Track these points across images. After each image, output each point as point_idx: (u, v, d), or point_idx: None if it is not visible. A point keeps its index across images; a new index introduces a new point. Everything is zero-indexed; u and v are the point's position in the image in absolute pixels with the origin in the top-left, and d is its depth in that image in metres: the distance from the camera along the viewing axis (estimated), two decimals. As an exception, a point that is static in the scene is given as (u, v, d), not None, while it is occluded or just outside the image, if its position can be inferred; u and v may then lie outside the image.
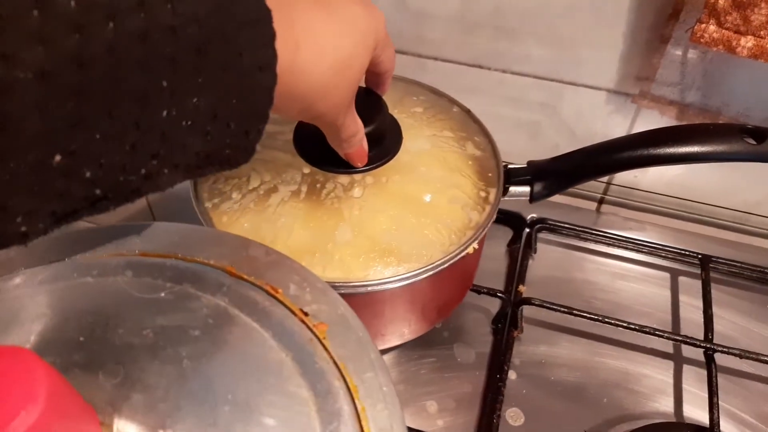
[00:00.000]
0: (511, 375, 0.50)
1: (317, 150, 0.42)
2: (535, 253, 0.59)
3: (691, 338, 0.50)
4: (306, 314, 0.27)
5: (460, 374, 0.50)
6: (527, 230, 0.60)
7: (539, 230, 0.60)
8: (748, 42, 0.44)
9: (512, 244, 0.60)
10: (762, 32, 0.43)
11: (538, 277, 0.57)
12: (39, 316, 0.25)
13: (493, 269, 0.58)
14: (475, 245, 0.41)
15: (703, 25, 0.45)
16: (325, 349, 0.26)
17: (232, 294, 0.27)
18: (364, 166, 0.42)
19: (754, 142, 0.43)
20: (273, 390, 0.24)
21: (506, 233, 0.61)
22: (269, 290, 0.28)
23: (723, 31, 0.44)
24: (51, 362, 0.18)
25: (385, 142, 0.44)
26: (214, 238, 0.30)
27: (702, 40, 0.45)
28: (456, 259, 0.40)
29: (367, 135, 0.40)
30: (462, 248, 0.41)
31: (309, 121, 0.35)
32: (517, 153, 0.63)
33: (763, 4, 0.42)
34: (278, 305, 0.27)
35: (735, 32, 0.44)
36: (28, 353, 0.18)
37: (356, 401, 0.24)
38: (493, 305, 0.54)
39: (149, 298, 0.26)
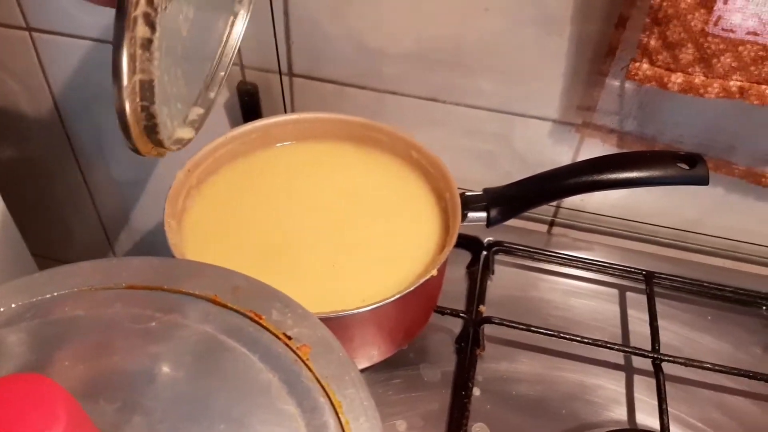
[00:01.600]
0: (476, 391, 0.53)
1: None
2: (492, 274, 0.62)
3: (640, 349, 0.54)
4: (289, 338, 0.29)
5: (427, 393, 0.53)
6: (485, 253, 0.63)
7: (496, 252, 0.64)
8: (678, 78, 0.48)
9: (471, 266, 0.63)
10: (690, 69, 0.48)
11: (496, 296, 0.60)
12: (34, 348, 0.27)
13: (454, 291, 0.60)
14: (435, 272, 0.43)
15: (637, 64, 0.49)
16: (309, 369, 0.28)
17: (219, 322, 0.29)
18: None
19: (687, 167, 0.48)
20: (264, 408, 0.26)
21: (465, 256, 0.64)
22: (253, 317, 0.30)
23: (655, 68, 0.49)
24: None
25: None
26: (197, 270, 0.32)
27: (636, 77, 0.50)
28: (418, 284, 0.43)
29: None
30: (424, 274, 0.44)
31: None
32: (475, 180, 0.66)
33: (689, 44, 0.46)
34: (262, 331, 0.29)
35: (666, 69, 0.49)
36: (46, 380, 0.20)
37: (340, 416, 0.26)
38: (456, 325, 0.57)
39: (141, 328, 0.28)
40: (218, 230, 0.50)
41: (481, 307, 0.57)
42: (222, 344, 0.28)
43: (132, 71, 0.31)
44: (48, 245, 0.92)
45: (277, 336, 0.29)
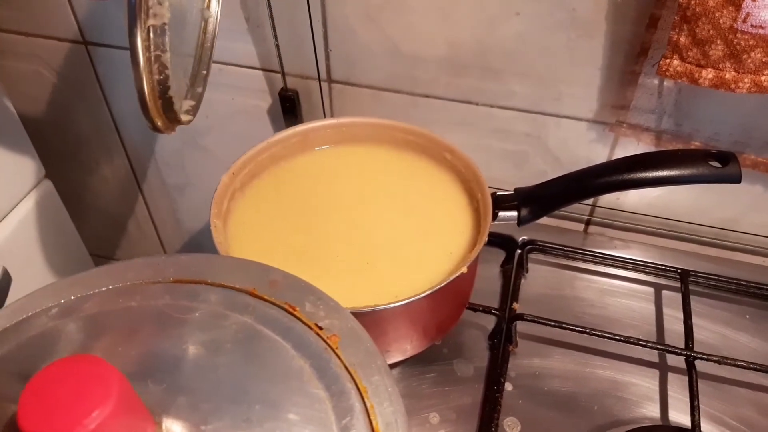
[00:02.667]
0: (508, 387, 0.54)
1: None
2: (527, 272, 0.63)
3: (673, 347, 0.54)
4: (321, 328, 0.31)
5: (460, 387, 0.54)
6: (519, 251, 0.64)
7: (530, 251, 0.65)
8: (708, 74, 0.49)
9: (505, 264, 0.64)
10: (720, 65, 0.48)
11: (530, 295, 0.61)
12: (93, 335, 0.30)
13: (488, 289, 0.62)
14: (465, 269, 0.45)
15: (668, 60, 0.50)
16: (338, 357, 0.30)
17: (257, 313, 0.31)
18: None
19: (719, 165, 0.48)
20: (296, 392, 0.28)
21: (499, 255, 0.65)
22: (288, 308, 0.32)
23: (686, 64, 0.49)
24: None
25: None
26: (237, 266, 0.34)
27: (667, 73, 0.50)
28: (448, 281, 0.44)
29: None
30: (454, 272, 0.45)
31: None
32: (508, 180, 0.68)
33: (719, 41, 0.47)
34: (296, 321, 0.31)
35: (697, 65, 0.49)
36: (102, 361, 0.22)
37: (366, 400, 0.29)
38: (489, 322, 0.58)
39: (186, 318, 0.30)
40: (260, 230, 0.53)
41: (515, 305, 0.59)
42: (259, 333, 0.30)
43: (147, 50, 0.35)
44: (105, 246, 0.97)
45: (309, 326, 0.31)
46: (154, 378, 0.27)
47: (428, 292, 0.44)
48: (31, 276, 0.65)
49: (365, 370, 0.30)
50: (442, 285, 0.44)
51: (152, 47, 0.37)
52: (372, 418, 0.28)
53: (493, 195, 0.52)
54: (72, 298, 0.32)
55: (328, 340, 0.31)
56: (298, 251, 0.51)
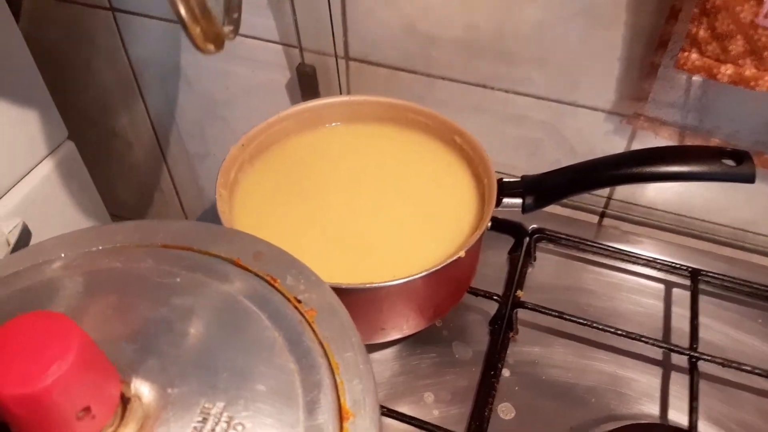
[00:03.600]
0: (505, 372, 0.54)
1: None
2: (534, 261, 0.62)
3: (676, 346, 0.53)
4: (299, 301, 0.31)
5: (457, 370, 0.54)
6: (527, 239, 0.64)
7: (539, 240, 0.64)
8: (728, 69, 0.47)
9: (513, 252, 0.63)
10: (740, 61, 0.46)
11: (536, 283, 0.61)
12: (75, 293, 0.30)
13: (494, 275, 0.61)
14: (462, 253, 0.45)
15: (686, 53, 0.48)
16: (313, 330, 0.30)
17: (237, 282, 0.32)
18: None
19: (733, 164, 0.46)
20: (265, 362, 0.28)
21: (508, 242, 0.64)
22: (269, 280, 0.32)
23: (704, 59, 0.48)
24: (83, 329, 0.23)
25: None
26: (225, 235, 0.35)
27: (685, 66, 0.49)
28: (444, 264, 0.44)
29: None
30: (452, 255, 0.45)
31: None
32: (522, 168, 0.66)
33: (739, 36, 0.45)
34: (275, 293, 0.32)
35: (715, 60, 0.47)
36: (63, 317, 0.23)
37: (336, 376, 0.29)
38: (491, 307, 0.58)
39: (166, 282, 0.31)
40: (265, 203, 0.53)
41: (519, 292, 0.58)
42: (237, 302, 0.31)
43: None
44: (129, 209, 1.00)
45: (288, 299, 0.31)
46: (127, 338, 0.28)
47: (423, 273, 0.44)
48: (51, 234, 0.67)
49: (339, 345, 0.30)
50: (438, 268, 0.44)
51: None
52: (340, 394, 0.28)
53: (499, 181, 0.51)
54: (62, 255, 0.33)
55: (305, 313, 0.31)
56: (300, 227, 0.51)
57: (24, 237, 0.61)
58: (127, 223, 0.35)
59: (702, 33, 0.46)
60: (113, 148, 0.88)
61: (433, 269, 0.44)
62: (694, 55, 0.48)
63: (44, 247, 0.34)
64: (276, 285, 0.32)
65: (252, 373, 0.28)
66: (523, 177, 0.52)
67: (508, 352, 0.55)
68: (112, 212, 0.86)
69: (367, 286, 0.43)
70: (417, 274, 0.44)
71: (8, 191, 0.62)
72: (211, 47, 0.41)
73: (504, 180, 0.51)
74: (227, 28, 0.46)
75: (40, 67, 0.63)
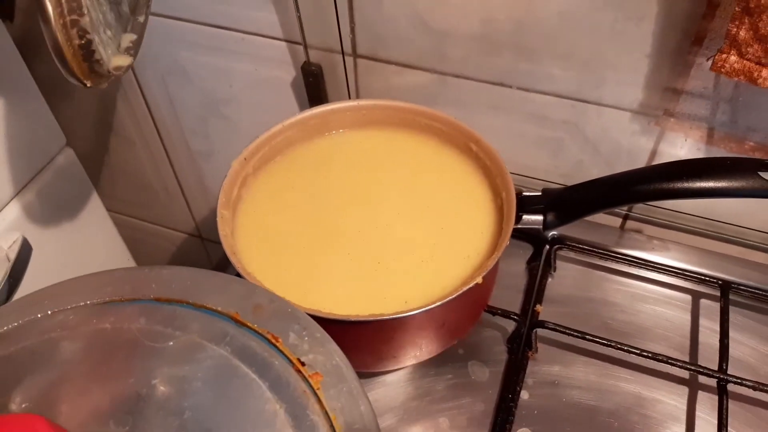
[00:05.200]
0: (524, 395, 0.51)
1: None
2: (554, 271, 0.59)
3: (705, 368, 0.50)
4: (303, 364, 0.29)
5: (474, 392, 0.52)
6: (547, 248, 0.60)
7: (559, 248, 0.61)
8: (771, 74, 0.43)
9: (532, 261, 0.60)
10: (784, 66, 0.42)
11: (557, 295, 0.58)
12: (60, 362, 0.28)
13: (512, 285, 0.58)
14: (480, 279, 0.42)
15: (724, 55, 0.44)
16: (318, 400, 0.28)
17: (235, 343, 0.29)
18: None
19: (771, 178, 0.43)
20: (266, 441, 0.26)
21: (527, 250, 0.61)
22: (270, 339, 0.30)
23: (744, 62, 0.44)
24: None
25: None
26: (222, 284, 0.32)
27: (723, 69, 0.45)
28: (461, 292, 0.41)
29: None
30: (469, 281, 0.42)
31: None
32: (540, 168, 0.63)
33: (785, 39, 0.41)
34: (277, 355, 0.29)
35: (756, 63, 0.43)
36: (41, 420, 0.20)
37: (343, 455, 0.26)
38: (509, 325, 0.55)
39: (159, 347, 0.28)
40: (270, 220, 0.51)
41: (538, 307, 0.55)
42: (234, 369, 0.28)
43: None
44: (134, 208, 0.97)
45: (291, 361, 0.29)
46: (116, 419, 0.26)
47: (438, 303, 0.41)
48: (52, 247, 0.65)
49: (347, 416, 0.27)
50: (453, 297, 0.41)
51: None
52: (347, 475, 0.26)
53: (519, 195, 0.48)
54: (48, 313, 0.31)
55: (309, 379, 0.28)
56: (307, 246, 0.49)
57: (24, 252, 0.59)
58: (118, 271, 0.33)
59: (743, 33, 0.42)
60: (116, 147, 0.86)
61: (448, 298, 0.41)
62: (733, 57, 0.44)
63: (31, 301, 0.31)
64: (278, 345, 0.29)
65: (251, 455, 0.25)
66: (544, 191, 0.48)
67: (526, 371, 0.52)
68: (116, 211, 0.84)
69: (378, 318, 0.41)
70: (431, 305, 0.41)
71: (6, 205, 0.59)
72: (92, 79, 0.38)
73: (524, 194, 0.48)
74: (127, 39, 0.43)
75: (35, 67, 0.60)
